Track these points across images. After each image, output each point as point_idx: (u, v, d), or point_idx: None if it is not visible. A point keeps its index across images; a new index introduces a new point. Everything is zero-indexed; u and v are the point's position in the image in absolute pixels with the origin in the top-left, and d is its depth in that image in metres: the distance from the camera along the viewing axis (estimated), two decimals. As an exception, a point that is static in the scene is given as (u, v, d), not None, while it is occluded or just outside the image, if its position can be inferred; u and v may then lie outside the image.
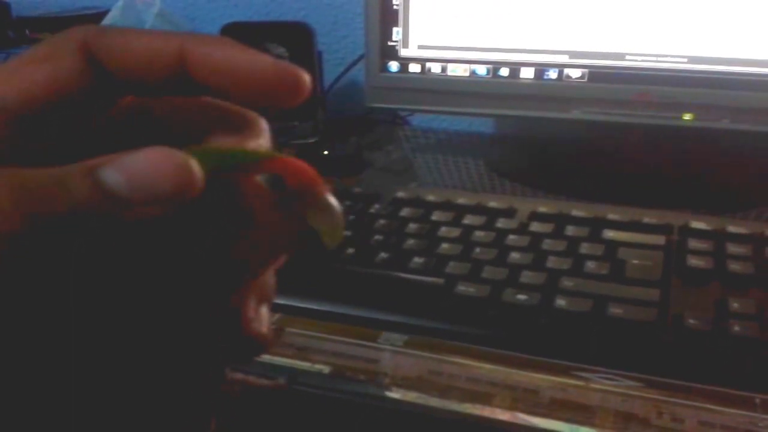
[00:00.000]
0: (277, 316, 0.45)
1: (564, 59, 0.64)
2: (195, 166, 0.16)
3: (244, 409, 0.40)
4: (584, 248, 0.47)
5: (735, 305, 0.41)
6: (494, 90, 0.67)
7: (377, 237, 0.50)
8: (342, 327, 0.44)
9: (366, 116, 0.86)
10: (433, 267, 0.46)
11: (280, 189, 0.19)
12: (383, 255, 0.48)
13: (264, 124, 0.20)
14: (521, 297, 0.43)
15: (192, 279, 0.18)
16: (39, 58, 0.18)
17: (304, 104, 0.19)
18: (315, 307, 0.45)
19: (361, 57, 0.77)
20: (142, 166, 0.16)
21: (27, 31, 0.95)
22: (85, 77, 0.18)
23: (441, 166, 0.76)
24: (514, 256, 0.47)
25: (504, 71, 0.66)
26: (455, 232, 0.50)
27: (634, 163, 0.68)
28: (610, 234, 0.49)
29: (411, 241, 0.49)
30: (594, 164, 0.70)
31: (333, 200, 0.19)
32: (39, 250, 0.15)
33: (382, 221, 0.52)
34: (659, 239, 0.49)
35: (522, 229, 0.50)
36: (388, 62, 0.69)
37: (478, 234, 0.50)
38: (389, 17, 0.68)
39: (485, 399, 0.37)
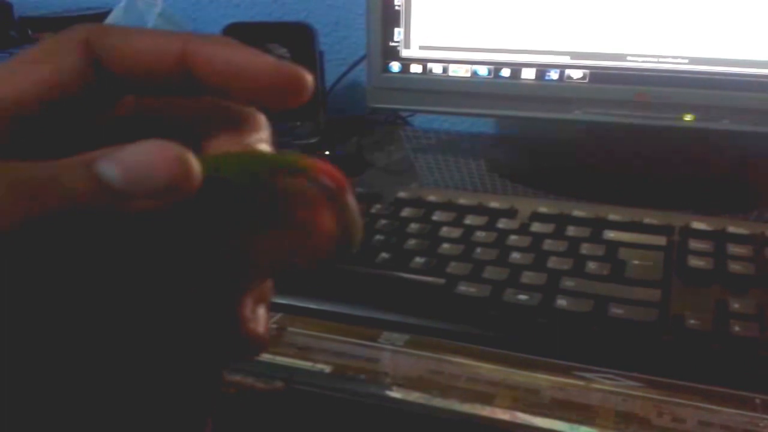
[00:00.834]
0: (278, 315, 0.45)
1: (565, 60, 0.64)
2: (191, 159, 0.16)
3: (244, 409, 0.40)
4: (585, 249, 0.47)
5: (735, 305, 0.41)
6: (495, 91, 0.67)
7: (378, 237, 0.50)
8: (343, 327, 0.44)
9: (367, 116, 0.86)
10: (434, 267, 0.46)
11: (322, 188, 0.18)
12: (384, 255, 0.48)
13: (263, 119, 0.20)
14: (522, 297, 0.43)
15: (195, 278, 0.18)
16: (40, 57, 0.18)
17: (305, 104, 0.19)
18: (316, 306, 0.45)
19: (362, 57, 0.77)
20: (138, 159, 0.16)
21: (29, 31, 0.95)
22: (87, 76, 0.18)
23: (442, 166, 0.76)
24: (515, 256, 0.47)
25: (505, 72, 0.66)
26: (456, 233, 0.50)
27: (635, 163, 0.68)
28: (610, 234, 0.49)
29: (412, 241, 0.49)
30: (595, 165, 0.70)
31: (355, 201, 0.19)
32: (36, 244, 0.15)
33: (383, 221, 0.52)
34: (660, 240, 0.49)
35: (523, 230, 0.50)
36: (389, 63, 0.69)
37: (479, 234, 0.50)
38: (391, 18, 0.68)
39: (486, 399, 0.37)
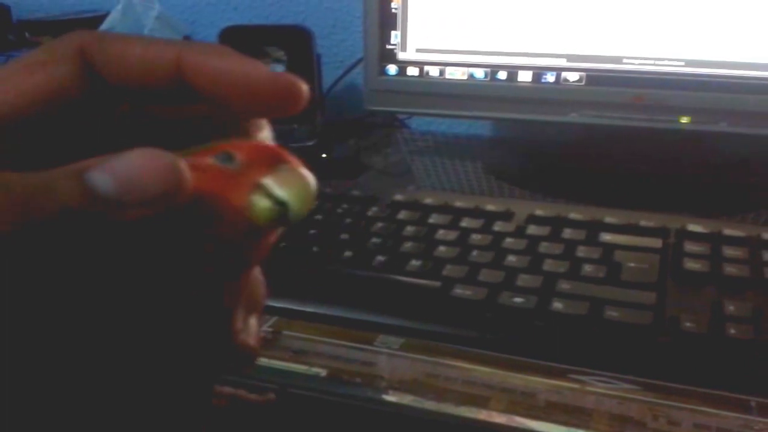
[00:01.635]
0: (273, 319, 0.45)
1: (562, 63, 0.64)
2: (183, 166, 0.16)
3: (239, 413, 0.40)
4: (581, 251, 0.47)
5: (731, 308, 0.41)
6: (492, 93, 0.67)
7: (374, 240, 0.50)
8: (338, 330, 0.44)
9: (364, 119, 0.86)
10: (430, 270, 0.46)
11: (228, 163, 0.18)
12: (380, 258, 0.48)
13: (261, 125, 0.20)
14: (518, 300, 0.43)
15: (182, 279, 0.18)
16: (34, 63, 0.18)
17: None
18: (311, 310, 0.45)
19: (359, 60, 0.77)
20: (130, 168, 0.16)
21: (27, 34, 0.95)
22: (81, 84, 0.18)
23: (439, 169, 0.76)
24: (511, 259, 0.47)
25: (502, 74, 0.66)
26: (452, 235, 0.50)
27: (631, 166, 0.69)
28: (606, 237, 0.49)
29: (408, 244, 0.49)
30: (591, 167, 0.70)
31: (299, 170, 0.19)
32: (28, 254, 0.15)
33: (379, 224, 0.52)
34: (656, 242, 0.49)
35: (519, 232, 0.50)
36: (386, 65, 0.69)
37: (475, 237, 0.50)
38: (388, 21, 0.68)
39: (481, 402, 0.37)
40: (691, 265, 0.46)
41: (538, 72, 0.65)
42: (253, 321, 0.21)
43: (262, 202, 0.18)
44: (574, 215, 0.52)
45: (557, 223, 0.51)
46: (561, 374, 0.39)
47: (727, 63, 0.60)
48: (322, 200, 0.57)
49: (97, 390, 0.17)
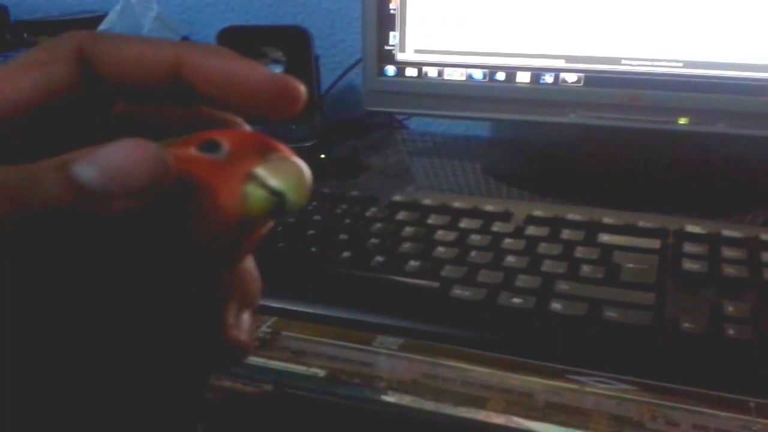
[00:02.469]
0: (272, 319, 0.45)
1: (560, 63, 0.64)
2: (168, 155, 0.16)
3: (236, 414, 0.40)
4: (579, 252, 0.47)
5: (729, 308, 0.41)
6: (490, 94, 0.67)
7: (373, 240, 0.50)
8: (337, 330, 0.44)
9: (363, 120, 0.86)
10: (429, 270, 0.46)
11: (215, 152, 0.17)
12: (379, 258, 0.48)
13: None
14: (516, 300, 0.43)
15: (173, 273, 0.18)
16: (33, 63, 0.18)
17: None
18: (310, 310, 0.45)
19: (358, 61, 0.77)
20: (115, 159, 0.16)
21: (25, 35, 0.95)
22: (79, 83, 0.18)
23: (437, 169, 0.76)
24: (510, 259, 0.47)
25: (500, 75, 0.66)
26: (451, 236, 0.50)
27: (630, 167, 0.69)
28: (605, 238, 0.49)
29: (407, 245, 0.49)
30: (590, 168, 0.71)
31: (292, 158, 0.18)
32: (14, 247, 0.15)
33: (378, 224, 0.52)
34: (654, 243, 0.49)
35: (518, 233, 0.50)
36: (385, 66, 0.69)
37: (474, 237, 0.50)
38: (386, 22, 0.68)
39: (480, 402, 0.37)
40: (689, 265, 0.46)
41: (537, 73, 0.65)
42: (245, 317, 0.21)
43: (257, 193, 0.17)
44: (572, 216, 0.52)
45: (556, 224, 0.51)
46: (559, 375, 0.39)
47: (725, 64, 0.60)
48: (321, 200, 0.57)
49: (89, 384, 0.17)
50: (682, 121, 0.61)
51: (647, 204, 0.59)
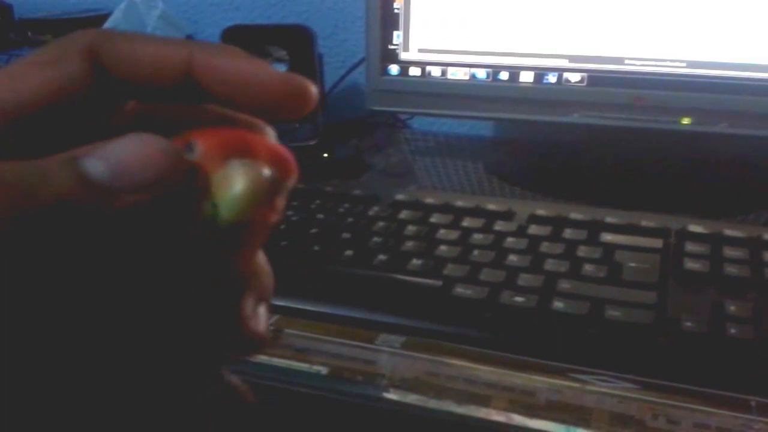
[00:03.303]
0: (275, 317, 0.45)
1: (563, 63, 0.64)
2: (177, 150, 0.16)
3: (240, 411, 0.40)
4: (582, 251, 0.48)
5: (731, 308, 0.41)
6: (494, 93, 0.67)
7: (376, 239, 0.50)
8: (340, 328, 0.44)
9: (366, 119, 0.86)
10: (432, 269, 0.46)
11: (190, 153, 0.17)
12: (382, 257, 0.48)
13: (269, 129, 0.21)
14: (519, 299, 0.43)
15: (183, 266, 0.18)
16: (44, 61, 0.18)
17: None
18: (313, 308, 0.45)
19: (361, 60, 0.78)
20: (124, 154, 0.16)
21: (29, 33, 0.95)
22: (90, 82, 0.18)
23: (440, 168, 0.76)
24: (512, 258, 0.47)
25: (504, 75, 0.66)
26: (453, 235, 0.50)
27: (632, 166, 0.69)
28: (607, 237, 0.49)
29: (409, 243, 0.49)
30: (592, 168, 0.71)
31: (253, 166, 0.17)
32: (24, 243, 0.15)
33: (381, 223, 0.52)
34: (656, 242, 0.49)
35: (520, 232, 0.50)
36: (388, 65, 0.69)
37: (477, 236, 0.50)
38: (390, 21, 0.68)
39: (482, 401, 0.37)
40: (691, 265, 0.46)
41: (540, 72, 0.65)
42: (262, 309, 0.21)
43: (204, 201, 0.17)
44: (575, 215, 0.52)
45: (558, 223, 0.51)
46: (561, 373, 0.39)
47: (728, 64, 0.60)
48: (324, 199, 0.57)
49: (101, 377, 0.17)
50: (685, 121, 0.61)
51: (649, 203, 0.59)
